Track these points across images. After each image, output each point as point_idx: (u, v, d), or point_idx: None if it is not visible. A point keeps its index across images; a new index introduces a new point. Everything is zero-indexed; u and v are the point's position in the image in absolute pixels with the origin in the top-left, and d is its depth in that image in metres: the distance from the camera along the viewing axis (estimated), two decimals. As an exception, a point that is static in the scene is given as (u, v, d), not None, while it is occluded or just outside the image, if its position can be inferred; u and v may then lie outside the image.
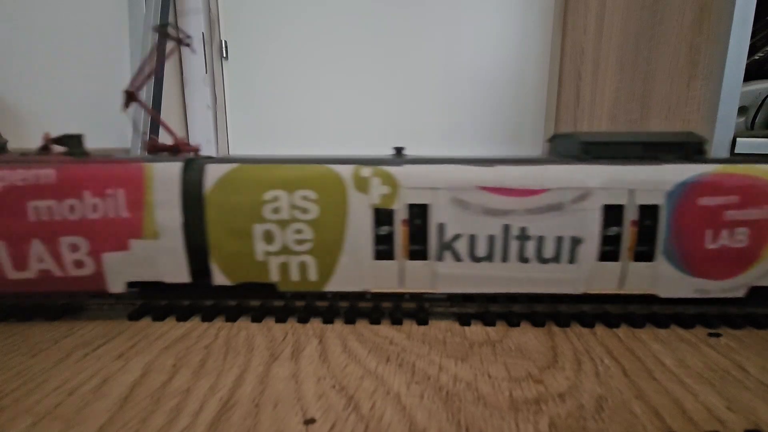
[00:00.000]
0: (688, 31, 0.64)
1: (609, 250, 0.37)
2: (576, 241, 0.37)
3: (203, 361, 0.33)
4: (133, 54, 0.97)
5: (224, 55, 1.16)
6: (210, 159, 0.40)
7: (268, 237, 0.38)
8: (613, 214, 0.37)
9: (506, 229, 0.37)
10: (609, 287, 0.38)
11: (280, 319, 0.40)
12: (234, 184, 0.38)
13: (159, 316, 0.40)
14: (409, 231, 0.38)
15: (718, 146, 0.60)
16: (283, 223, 0.37)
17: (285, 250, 0.38)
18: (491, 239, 0.37)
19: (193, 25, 1.10)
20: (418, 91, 1.16)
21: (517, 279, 0.38)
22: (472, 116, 1.17)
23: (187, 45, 0.52)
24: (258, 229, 0.37)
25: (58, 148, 0.43)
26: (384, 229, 0.38)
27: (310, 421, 0.25)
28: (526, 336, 0.37)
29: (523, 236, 0.37)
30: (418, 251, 0.38)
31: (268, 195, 0.37)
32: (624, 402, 0.27)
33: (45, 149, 0.43)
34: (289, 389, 0.29)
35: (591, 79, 0.96)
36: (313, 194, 0.37)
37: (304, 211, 0.37)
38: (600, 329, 0.38)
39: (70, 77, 0.82)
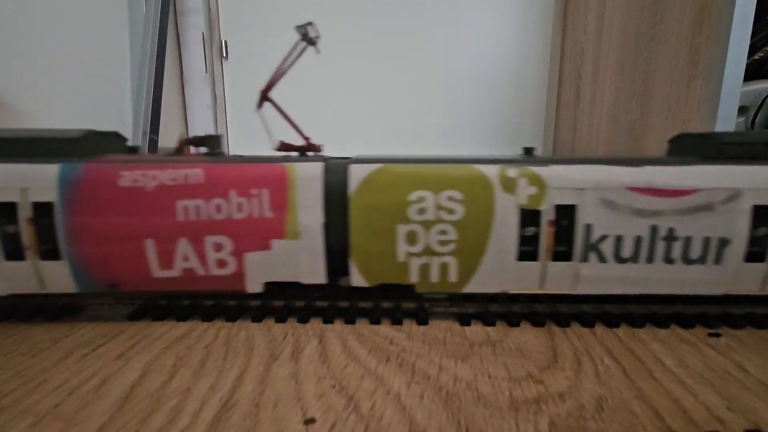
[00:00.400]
0: (688, 31, 0.64)
1: (756, 251, 0.37)
2: (724, 242, 0.36)
3: (203, 361, 0.33)
4: (133, 54, 0.97)
5: (224, 55, 1.16)
6: (349, 159, 0.39)
7: (412, 238, 0.37)
8: (762, 214, 0.36)
9: (654, 229, 0.36)
10: (752, 289, 0.38)
11: (280, 319, 0.40)
12: (379, 185, 0.37)
13: (159, 316, 0.40)
14: (555, 232, 0.37)
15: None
16: (427, 224, 0.37)
17: (427, 251, 0.38)
18: (638, 240, 0.37)
19: (193, 25, 1.10)
20: (418, 91, 1.16)
21: (660, 280, 0.38)
22: (472, 116, 1.17)
23: (314, 45, 0.51)
24: (402, 229, 0.37)
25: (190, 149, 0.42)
26: (530, 230, 0.37)
27: (310, 421, 0.25)
28: (526, 336, 0.37)
29: (671, 237, 0.37)
30: (562, 252, 0.38)
31: (414, 195, 0.37)
32: (624, 402, 0.27)
33: (179, 151, 0.42)
34: (289, 389, 0.29)
35: (591, 79, 0.96)
36: (459, 195, 0.37)
37: (450, 211, 0.37)
38: (600, 329, 0.38)
39: (70, 77, 0.82)
